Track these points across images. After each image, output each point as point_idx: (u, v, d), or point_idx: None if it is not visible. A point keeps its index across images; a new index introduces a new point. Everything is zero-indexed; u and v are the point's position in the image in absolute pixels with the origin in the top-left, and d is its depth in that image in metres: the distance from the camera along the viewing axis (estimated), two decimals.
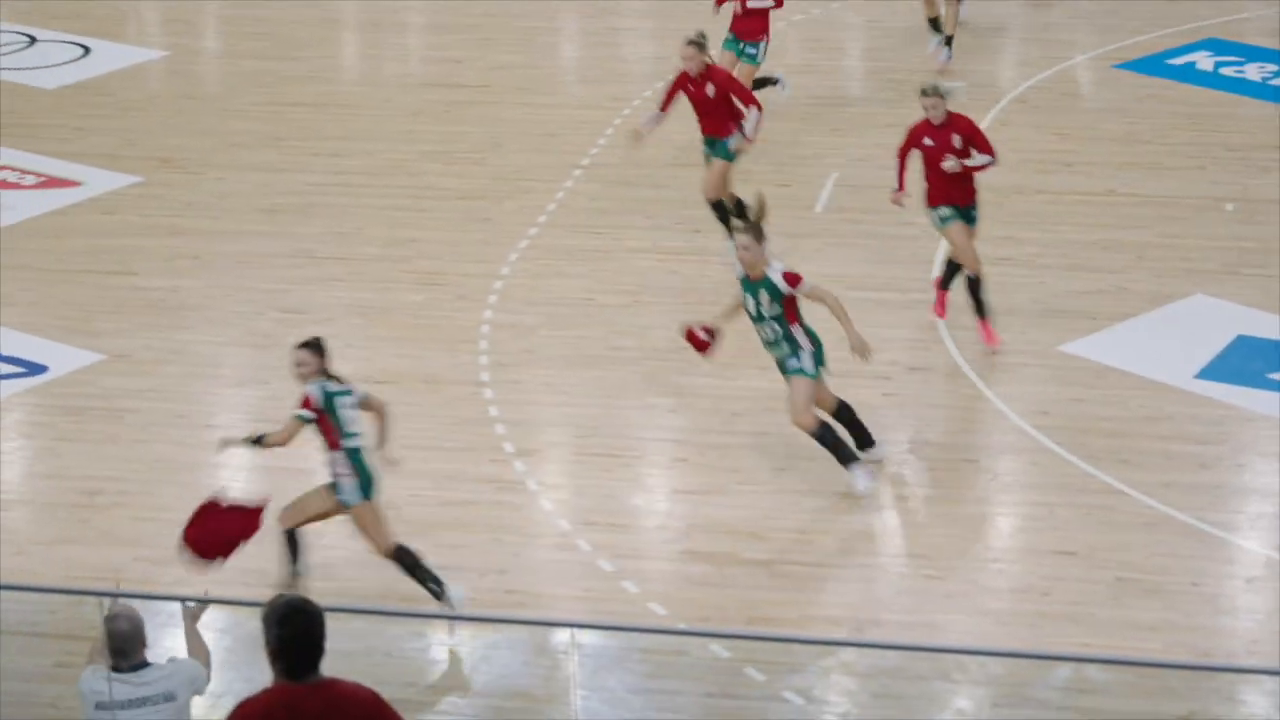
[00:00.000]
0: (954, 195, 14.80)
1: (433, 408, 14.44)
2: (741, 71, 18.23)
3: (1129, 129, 19.19)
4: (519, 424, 14.21)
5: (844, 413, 13.37)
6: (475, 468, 13.65)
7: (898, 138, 15.15)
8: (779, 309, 12.86)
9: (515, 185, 18.28)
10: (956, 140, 14.73)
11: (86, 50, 22.23)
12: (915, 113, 15.06)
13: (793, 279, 12.80)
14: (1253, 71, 20.52)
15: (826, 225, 17.21)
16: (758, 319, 12.99)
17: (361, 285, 16.38)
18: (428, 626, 11.85)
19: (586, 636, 11.43)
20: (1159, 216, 17.26)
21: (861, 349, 12.91)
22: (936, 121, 14.76)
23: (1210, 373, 14.65)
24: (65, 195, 18.11)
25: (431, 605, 11.68)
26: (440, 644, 11.84)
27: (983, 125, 16.26)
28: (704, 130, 16.47)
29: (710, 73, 16.29)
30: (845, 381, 13.63)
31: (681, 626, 11.91)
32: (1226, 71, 20.55)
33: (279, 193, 18.15)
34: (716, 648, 11.69)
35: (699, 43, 16.24)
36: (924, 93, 14.84)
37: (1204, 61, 20.83)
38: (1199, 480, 13.36)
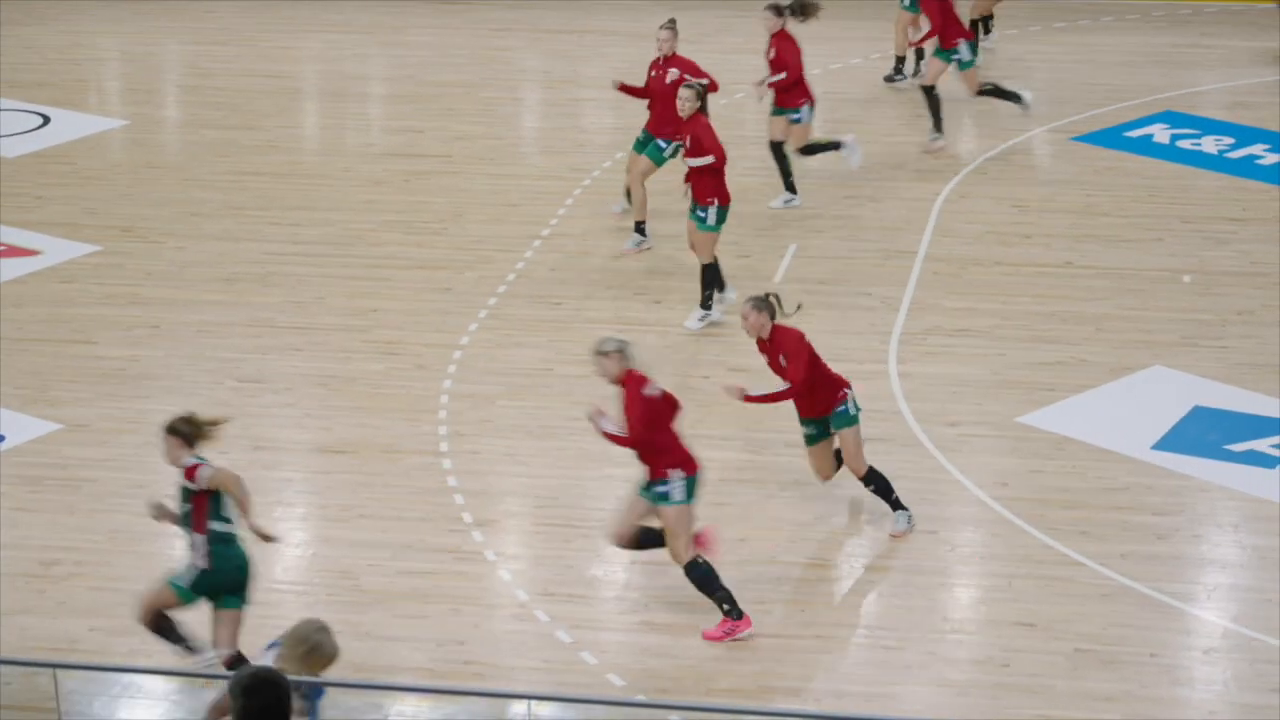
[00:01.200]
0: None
1: (392, 477, 14.42)
2: (795, 134, 18.78)
3: (1087, 201, 19.30)
4: (478, 494, 14.19)
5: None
6: (434, 538, 13.62)
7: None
8: None
9: (476, 255, 18.31)
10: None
11: (46, 119, 22.23)
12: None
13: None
14: (1209, 144, 20.68)
15: (785, 295, 17.23)
16: None
17: (321, 355, 16.36)
18: (386, 698, 11.80)
19: (545, 709, 11.40)
20: (1117, 288, 17.34)
21: None
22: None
23: (1167, 443, 14.71)
24: (25, 264, 18.07)
25: (399, 677, 11.62)
26: (399, 715, 11.78)
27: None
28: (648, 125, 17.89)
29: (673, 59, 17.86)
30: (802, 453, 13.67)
31: (639, 698, 11.87)
32: (1183, 144, 20.70)
33: (239, 262, 18.14)
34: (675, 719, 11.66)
35: (671, 26, 17.97)
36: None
37: (1161, 134, 20.98)
38: (1157, 551, 13.39)
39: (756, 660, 12.29)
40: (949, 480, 14.31)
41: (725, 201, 16.34)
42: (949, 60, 20.13)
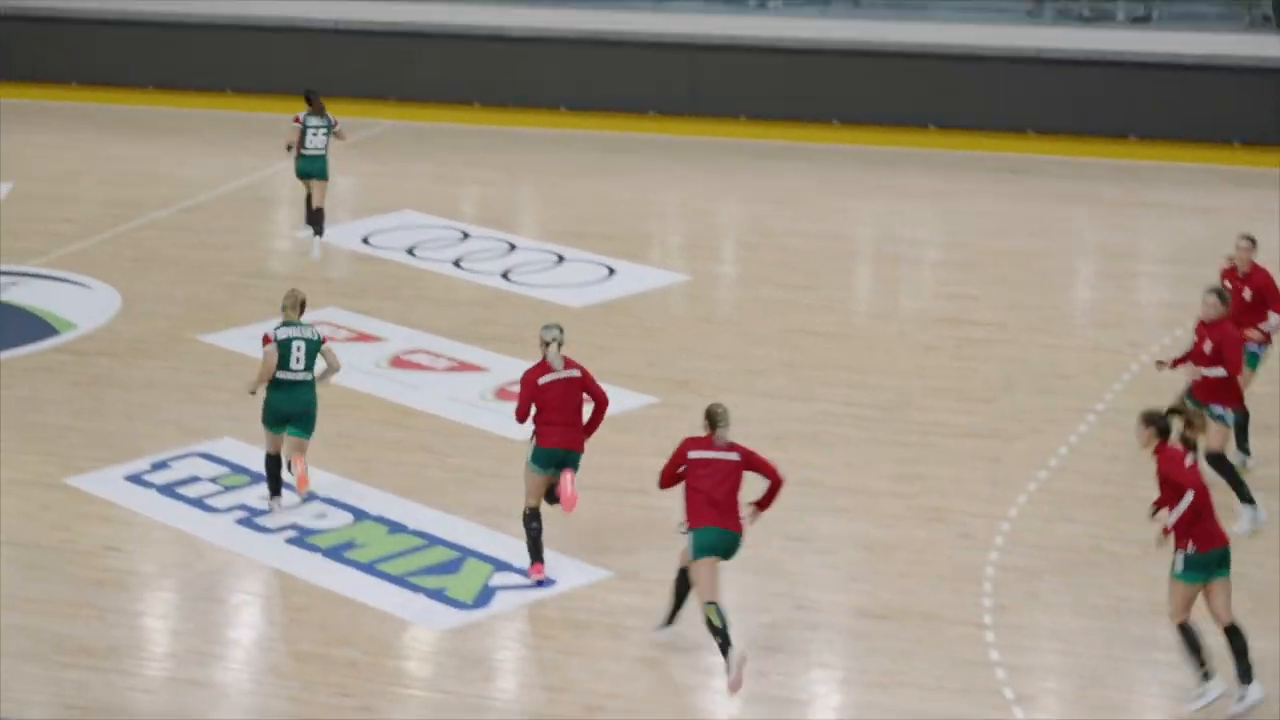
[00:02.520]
0: None
1: (930, 646, 14.30)
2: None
3: None
4: (1020, 670, 13.96)
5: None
6: (973, 711, 13.44)
7: None
8: None
9: (1026, 425, 18.14)
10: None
11: (612, 271, 22.95)
12: None
13: None
14: None
15: None
16: None
17: (867, 518, 16.39)
18: None
19: None
20: None
21: None
22: None
23: None
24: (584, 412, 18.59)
25: None
26: None
27: None
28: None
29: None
30: None
31: None
32: None
33: (790, 419, 18.34)
34: None
35: (1220, 293, 16.05)
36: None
37: None
38: None
39: None
40: None
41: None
42: None
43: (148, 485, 17.04)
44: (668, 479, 14.03)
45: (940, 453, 17.61)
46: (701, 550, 13.58)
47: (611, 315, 21.37)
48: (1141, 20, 29.28)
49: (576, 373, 15.26)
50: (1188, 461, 13.06)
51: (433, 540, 15.94)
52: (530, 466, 15.19)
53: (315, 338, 16.33)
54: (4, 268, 23.20)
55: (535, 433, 15.16)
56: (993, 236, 24.13)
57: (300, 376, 16.25)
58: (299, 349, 16.22)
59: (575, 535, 15.96)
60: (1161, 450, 13.12)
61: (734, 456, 13.76)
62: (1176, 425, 13.14)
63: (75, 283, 22.69)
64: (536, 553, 15.29)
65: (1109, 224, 24.81)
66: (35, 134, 30.41)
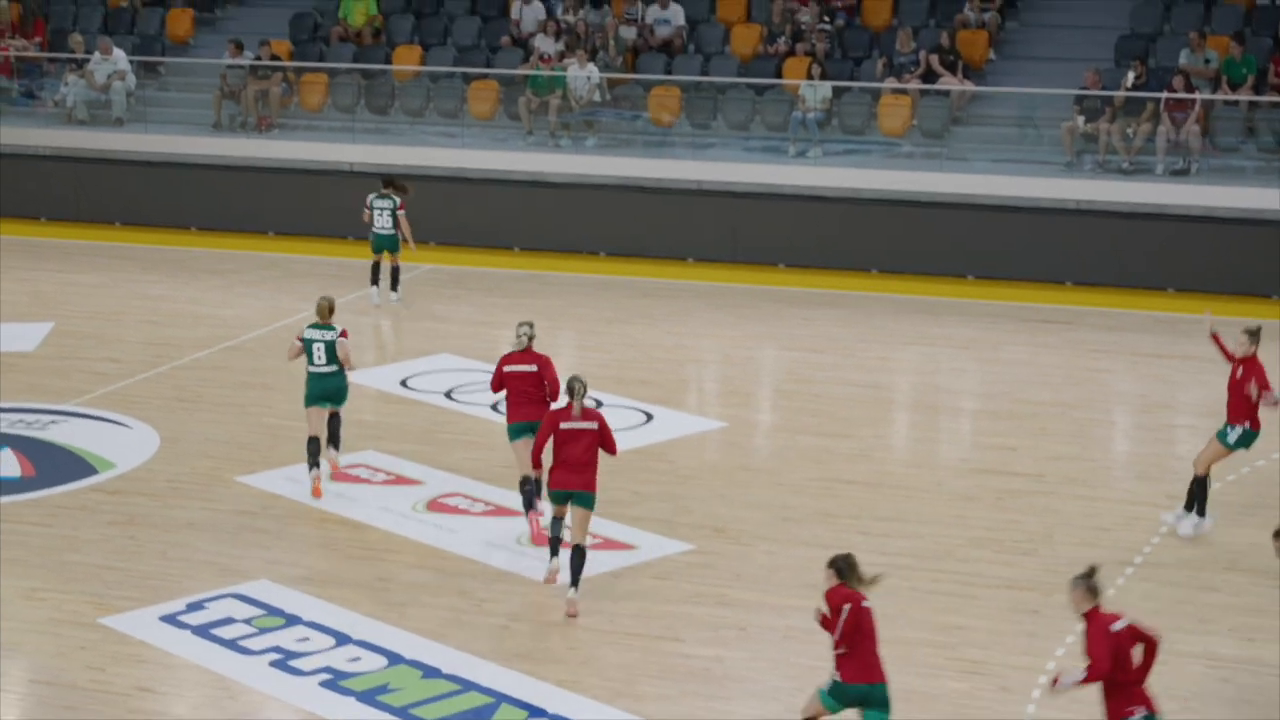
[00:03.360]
0: None
1: None
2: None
3: None
4: None
5: None
6: None
7: None
8: None
9: (1065, 578, 17.87)
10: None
11: (649, 417, 22.98)
12: None
13: None
14: None
15: None
16: None
17: (904, 670, 16.23)
18: None
19: None
20: None
21: None
22: None
23: None
24: (621, 558, 18.57)
25: None
26: None
27: None
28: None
29: None
30: None
31: None
32: None
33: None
34: None
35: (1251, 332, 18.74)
36: None
37: None
38: None
39: None
40: None
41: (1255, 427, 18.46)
42: None
43: (183, 626, 17.02)
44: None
45: (979, 604, 17.52)
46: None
47: (648, 461, 21.36)
48: (1180, 173, 29.39)
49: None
50: (1115, 627, 13.06)
51: (467, 685, 15.87)
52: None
53: (333, 338, 19.93)
54: (45, 406, 23.31)
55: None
56: (1031, 387, 24.14)
57: (325, 369, 20.00)
58: (319, 349, 19.94)
59: (609, 682, 15.89)
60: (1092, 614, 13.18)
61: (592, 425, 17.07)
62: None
63: (115, 422, 22.79)
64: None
65: (1147, 376, 24.81)
66: (78, 273, 30.67)
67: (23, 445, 21.90)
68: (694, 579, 18.13)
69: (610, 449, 17.30)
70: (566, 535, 17.38)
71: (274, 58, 34.38)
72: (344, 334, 20.03)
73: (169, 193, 33.74)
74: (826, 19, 32.95)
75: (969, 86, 31.31)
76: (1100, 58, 31.37)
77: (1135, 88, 29.90)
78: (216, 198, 33.47)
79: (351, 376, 20.52)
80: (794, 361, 25.72)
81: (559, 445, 17.11)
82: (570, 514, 17.24)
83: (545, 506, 18.27)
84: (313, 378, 20.12)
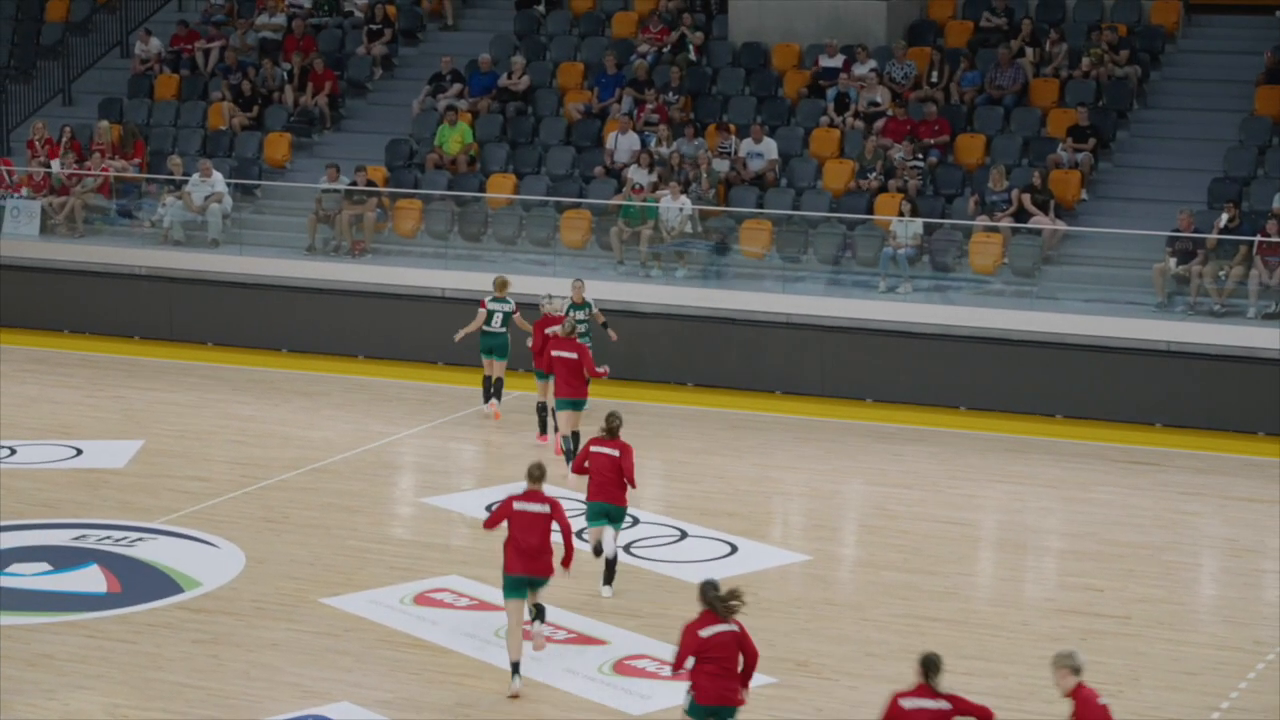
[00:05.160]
0: None
1: None
2: None
3: None
4: None
5: None
6: None
7: None
8: None
9: None
10: None
11: (734, 549, 22.93)
12: None
13: None
14: None
15: None
16: None
17: None
18: None
19: None
20: None
21: None
22: None
23: None
24: None
25: None
26: None
27: None
28: None
29: None
30: None
31: None
32: None
33: None
34: None
35: None
36: None
37: None
38: None
39: None
40: None
41: None
42: None
43: None
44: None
45: None
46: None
47: None
48: (1273, 317, 29.26)
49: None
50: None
51: None
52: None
53: (510, 310, 28.30)
54: (133, 524, 23.47)
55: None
56: (1118, 528, 23.97)
57: (498, 330, 28.43)
58: (498, 316, 28.38)
59: None
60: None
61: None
62: None
63: (202, 541, 22.92)
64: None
65: (1237, 519, 24.60)
66: (168, 392, 30.94)
67: (110, 562, 22.06)
68: (776, 712, 18.03)
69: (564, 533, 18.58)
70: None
71: (369, 183, 34.72)
72: (516, 309, 28.24)
73: (261, 314, 34.06)
74: (919, 156, 33.05)
75: (1061, 226, 31.31)
76: (1193, 200, 31.33)
77: (1228, 230, 29.84)
78: (308, 320, 33.76)
79: (438, 501, 20.57)
80: (880, 496, 25.64)
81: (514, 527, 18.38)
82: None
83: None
84: (486, 335, 28.30)
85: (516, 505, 18.33)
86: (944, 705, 14.43)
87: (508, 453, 27.48)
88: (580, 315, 28.21)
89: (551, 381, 26.27)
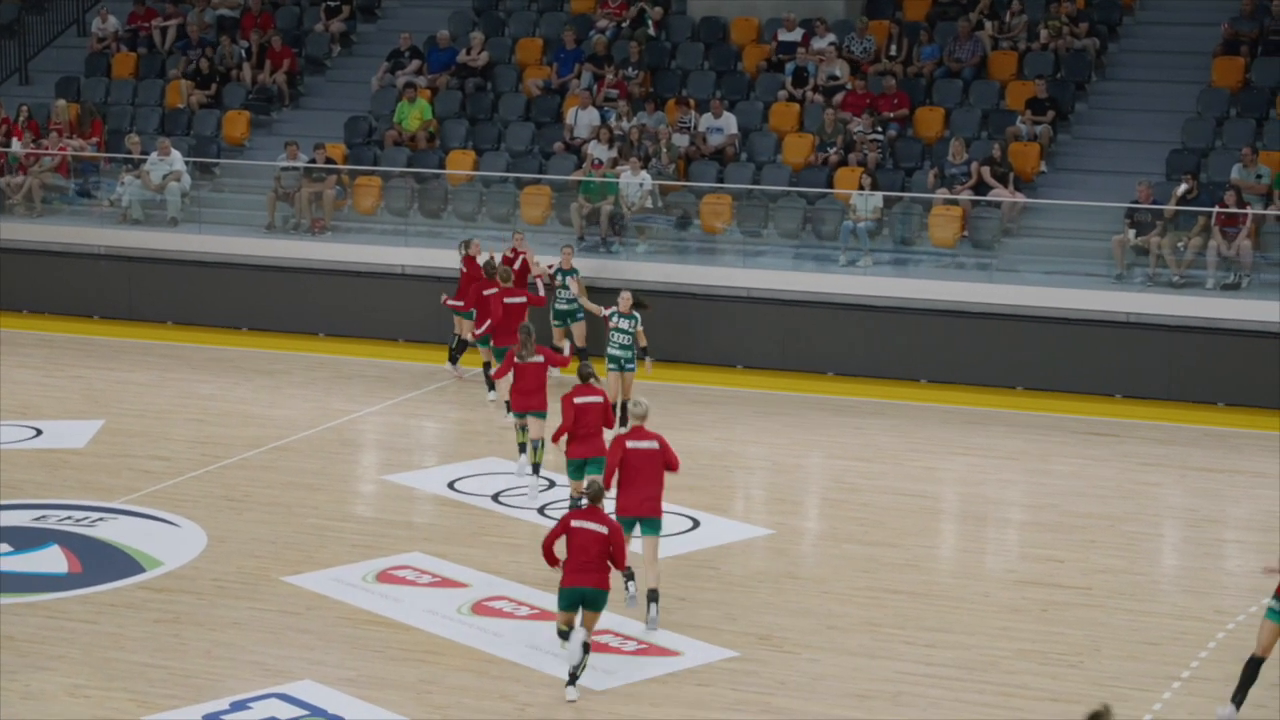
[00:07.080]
0: None
1: None
2: None
3: None
4: None
5: None
6: None
7: None
8: None
9: (1111, 691, 17.90)
10: None
11: (696, 523, 22.95)
12: None
13: None
14: None
15: None
16: None
17: None
18: None
19: None
20: None
21: None
22: None
23: None
24: (666, 664, 18.50)
25: None
26: None
27: None
28: None
29: None
30: None
31: None
32: None
33: (872, 679, 18.18)
34: None
35: None
36: None
37: None
38: None
39: None
40: None
41: None
42: None
43: None
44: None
45: (1024, 716, 17.40)
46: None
47: (694, 568, 21.31)
48: (1231, 288, 29.36)
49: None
50: None
51: None
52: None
53: (574, 271, 29.79)
54: (94, 504, 23.41)
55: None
56: (1079, 499, 24.05)
57: (569, 298, 29.67)
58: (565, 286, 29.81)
59: None
60: None
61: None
62: None
63: (163, 520, 22.86)
64: None
65: (1197, 490, 24.71)
66: (128, 372, 30.85)
67: (70, 542, 21.99)
68: (738, 686, 18.05)
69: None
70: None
71: (328, 161, 34.65)
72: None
73: (221, 293, 33.97)
74: (878, 129, 33.08)
75: (1020, 198, 31.37)
76: (1152, 172, 31.42)
77: (1186, 202, 29.92)
78: (268, 299, 33.68)
79: (400, 478, 20.48)
80: (842, 470, 25.69)
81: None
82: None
83: None
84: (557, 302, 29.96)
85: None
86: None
87: (469, 429, 27.48)
88: (569, 284, 29.76)
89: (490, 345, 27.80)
